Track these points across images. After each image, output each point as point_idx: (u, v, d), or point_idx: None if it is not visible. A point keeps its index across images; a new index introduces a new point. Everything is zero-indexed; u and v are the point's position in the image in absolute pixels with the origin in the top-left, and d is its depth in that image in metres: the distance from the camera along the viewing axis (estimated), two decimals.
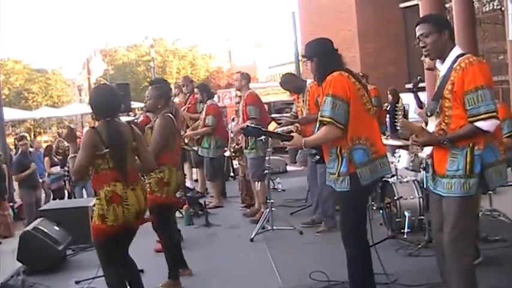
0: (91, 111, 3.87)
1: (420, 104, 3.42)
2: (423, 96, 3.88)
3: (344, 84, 3.42)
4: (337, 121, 3.37)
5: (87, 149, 3.57)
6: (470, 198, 3.03)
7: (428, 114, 3.23)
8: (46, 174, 10.59)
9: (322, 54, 3.61)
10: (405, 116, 12.00)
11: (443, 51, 3.13)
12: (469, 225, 3.08)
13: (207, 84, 8.88)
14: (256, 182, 6.71)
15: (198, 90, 7.81)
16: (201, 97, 7.73)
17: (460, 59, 3.05)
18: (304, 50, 3.76)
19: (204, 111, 7.63)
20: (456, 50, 3.12)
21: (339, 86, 3.41)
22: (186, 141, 7.73)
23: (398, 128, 3.43)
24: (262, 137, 5.83)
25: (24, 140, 10.00)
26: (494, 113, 2.95)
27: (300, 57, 5.59)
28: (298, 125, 5.85)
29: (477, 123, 2.95)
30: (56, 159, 10.68)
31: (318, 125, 3.60)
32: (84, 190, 10.01)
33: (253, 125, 3.96)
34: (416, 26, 3.18)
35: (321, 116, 3.44)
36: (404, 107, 12.07)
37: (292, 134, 3.77)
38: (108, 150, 3.58)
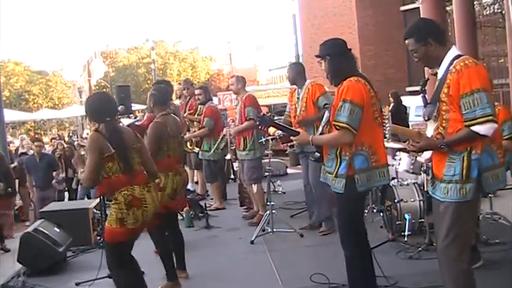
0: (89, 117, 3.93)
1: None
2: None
3: (362, 91, 3.46)
4: (353, 127, 3.41)
5: (94, 152, 3.58)
6: (466, 203, 2.94)
7: (426, 118, 3.16)
8: None
9: (334, 54, 3.64)
10: (406, 119, 11.92)
11: (437, 58, 3.07)
12: (463, 231, 2.99)
13: (208, 86, 8.93)
14: (253, 185, 6.71)
15: (202, 91, 7.84)
16: (204, 98, 7.75)
17: (456, 61, 2.96)
18: (319, 50, 3.77)
19: (203, 113, 7.67)
20: (452, 52, 3.04)
21: (357, 92, 3.44)
22: (188, 144, 7.74)
23: (387, 135, 3.44)
24: (269, 138, 5.84)
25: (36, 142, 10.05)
26: (491, 117, 2.84)
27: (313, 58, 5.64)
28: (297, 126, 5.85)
29: (474, 128, 2.85)
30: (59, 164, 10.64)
31: (322, 125, 3.63)
32: (86, 198, 9.96)
33: (268, 115, 3.95)
34: (404, 41, 3.16)
35: (336, 121, 3.45)
36: (406, 109, 12.02)
37: (298, 129, 3.80)
38: (114, 151, 3.60)
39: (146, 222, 3.72)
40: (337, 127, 3.46)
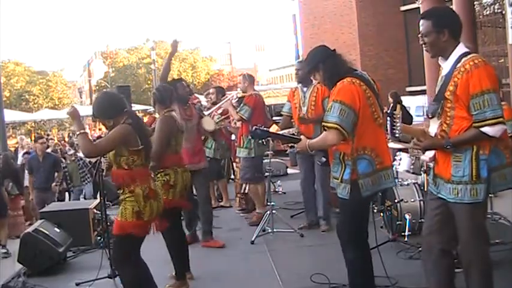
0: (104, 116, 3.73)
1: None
2: (424, 99, 3.82)
3: (354, 93, 3.35)
4: (344, 128, 3.30)
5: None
6: (479, 204, 2.94)
7: (430, 116, 3.13)
8: None
9: (326, 59, 3.55)
10: (409, 116, 11.80)
11: (443, 50, 3.03)
12: (484, 230, 3.02)
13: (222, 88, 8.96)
14: (244, 185, 6.69)
15: (215, 91, 7.85)
16: (216, 99, 7.81)
17: (464, 59, 2.92)
18: (307, 63, 3.68)
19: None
20: (460, 49, 2.99)
21: (348, 94, 3.34)
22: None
23: (397, 135, 3.34)
24: (265, 140, 5.82)
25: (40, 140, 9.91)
26: (501, 119, 2.85)
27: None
28: (299, 127, 5.84)
29: (483, 129, 2.84)
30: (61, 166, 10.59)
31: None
32: (81, 197, 9.94)
33: (260, 128, 3.81)
34: (419, 21, 3.09)
35: (325, 121, 3.36)
36: (406, 109, 11.92)
37: (300, 136, 3.75)
38: (142, 146, 3.61)
39: (158, 215, 3.74)
40: (325, 128, 3.36)
